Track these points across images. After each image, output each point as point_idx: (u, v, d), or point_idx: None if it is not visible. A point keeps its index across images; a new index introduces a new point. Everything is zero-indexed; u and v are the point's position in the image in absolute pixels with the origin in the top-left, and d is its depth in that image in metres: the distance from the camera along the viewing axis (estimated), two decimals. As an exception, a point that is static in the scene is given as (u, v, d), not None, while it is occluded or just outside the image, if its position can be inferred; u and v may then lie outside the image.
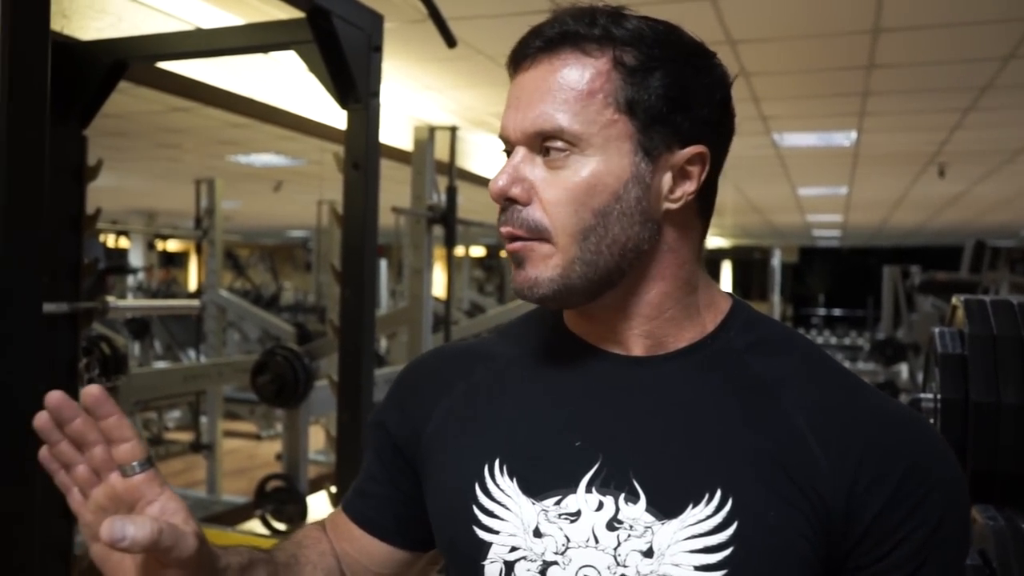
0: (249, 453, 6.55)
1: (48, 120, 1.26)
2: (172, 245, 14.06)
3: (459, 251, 7.96)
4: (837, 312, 17.84)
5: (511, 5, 3.35)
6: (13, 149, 1.18)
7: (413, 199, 2.96)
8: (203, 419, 5.28)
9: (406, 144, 3.78)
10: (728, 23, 3.46)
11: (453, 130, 3.11)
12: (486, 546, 0.73)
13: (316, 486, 3.98)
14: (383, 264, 8.65)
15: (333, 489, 1.96)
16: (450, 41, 1.98)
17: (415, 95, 4.95)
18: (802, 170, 7.33)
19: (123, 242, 10.60)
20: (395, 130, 4.60)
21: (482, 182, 6.47)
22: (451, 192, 2.97)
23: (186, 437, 6.27)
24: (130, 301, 5.02)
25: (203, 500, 4.73)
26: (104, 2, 2.65)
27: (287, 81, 4.35)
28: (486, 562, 0.73)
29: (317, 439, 5.24)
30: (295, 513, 2.88)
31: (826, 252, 18.92)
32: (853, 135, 5.65)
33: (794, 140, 5.83)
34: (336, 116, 4.67)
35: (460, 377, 0.82)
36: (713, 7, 3.31)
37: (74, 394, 1.99)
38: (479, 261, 13.40)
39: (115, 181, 8.72)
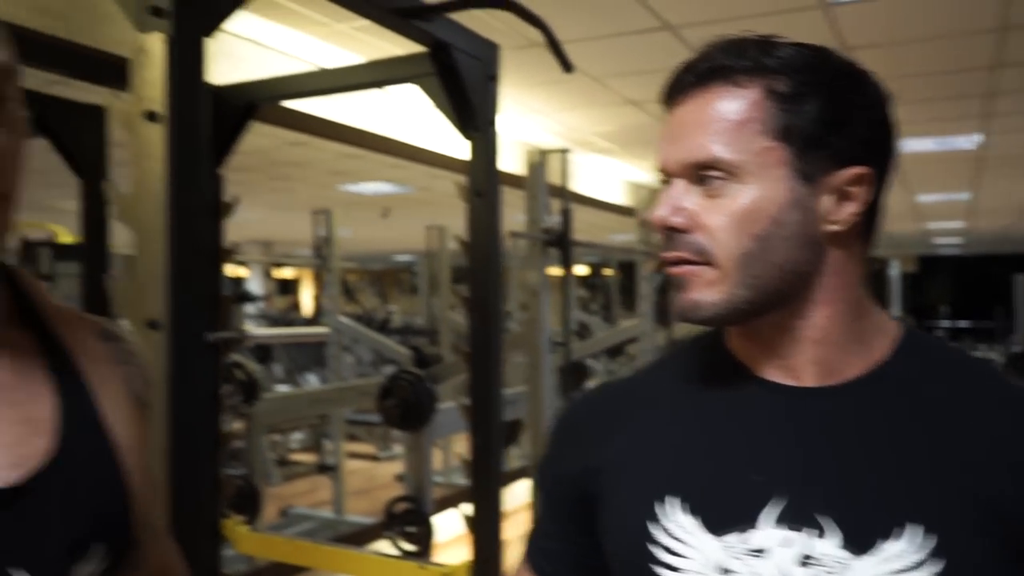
0: (369, 474, 6.72)
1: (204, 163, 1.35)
2: (286, 272, 14.64)
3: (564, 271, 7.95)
4: (963, 324, 16.92)
5: (615, 26, 3.36)
6: (181, 192, 1.27)
7: (528, 222, 3.00)
8: (324, 440, 5.45)
9: (515, 168, 3.84)
10: (841, 31, 3.38)
11: (565, 152, 3.14)
12: None
13: (438, 507, 4.05)
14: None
15: (467, 510, 2.00)
16: (567, 66, 2.01)
17: (521, 119, 5.03)
18: (921, 176, 7.03)
19: (242, 271, 11.10)
20: (504, 154, 4.66)
21: (589, 203, 6.49)
22: (566, 214, 3.00)
23: (309, 458, 6.50)
24: (266, 330, 5.26)
25: (330, 520, 4.89)
26: (235, 48, 2.82)
27: (398, 112, 4.49)
28: None
29: (434, 461, 5.33)
30: (422, 535, 2.94)
31: (947, 260, 18.00)
32: (977, 138, 5.39)
33: (912, 146, 5.62)
34: (444, 143, 4.82)
35: (626, 415, 0.82)
36: (825, 16, 3.23)
37: (218, 422, 2.06)
38: (582, 280, 13.38)
39: (234, 213, 9.16)
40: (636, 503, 0.76)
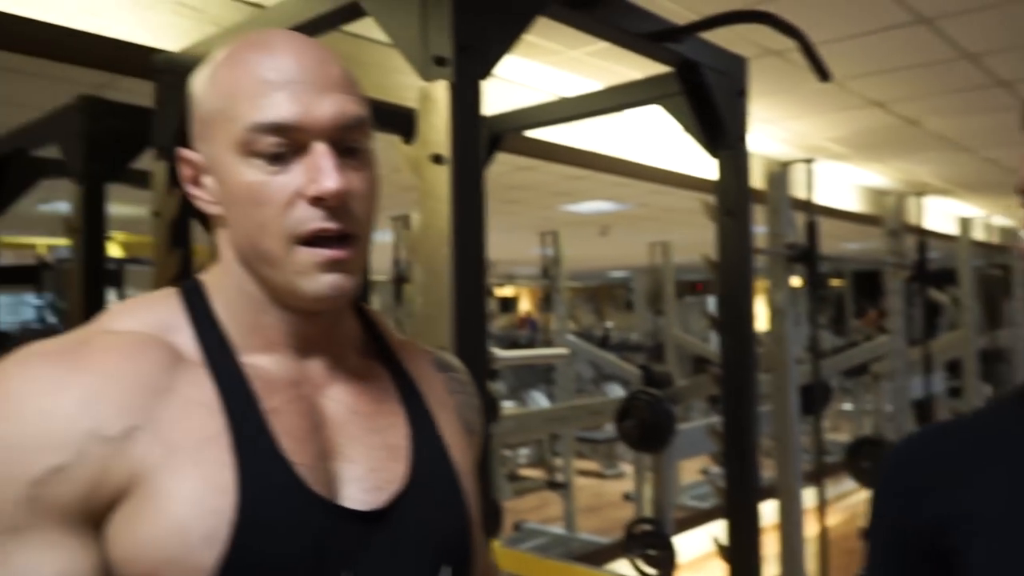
0: (595, 491, 6.76)
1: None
2: (506, 290, 15.15)
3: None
4: None
5: (862, 25, 3.18)
6: (465, 228, 1.34)
7: (770, 237, 2.89)
8: (553, 457, 5.54)
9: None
10: None
11: (809, 163, 3.00)
12: None
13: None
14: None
15: (720, 533, 1.95)
16: (824, 75, 1.92)
17: (750, 129, 4.89)
18: None
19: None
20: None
21: (822, 211, 6.17)
22: (811, 228, 2.86)
23: (536, 474, 6.64)
24: (510, 352, 5.47)
25: (562, 537, 4.96)
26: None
27: (624, 132, 4.52)
28: None
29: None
30: (664, 558, 2.90)
31: None
32: None
33: None
34: (669, 160, 4.76)
35: (978, 462, 0.74)
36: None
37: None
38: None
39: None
40: (1008, 566, 0.68)
